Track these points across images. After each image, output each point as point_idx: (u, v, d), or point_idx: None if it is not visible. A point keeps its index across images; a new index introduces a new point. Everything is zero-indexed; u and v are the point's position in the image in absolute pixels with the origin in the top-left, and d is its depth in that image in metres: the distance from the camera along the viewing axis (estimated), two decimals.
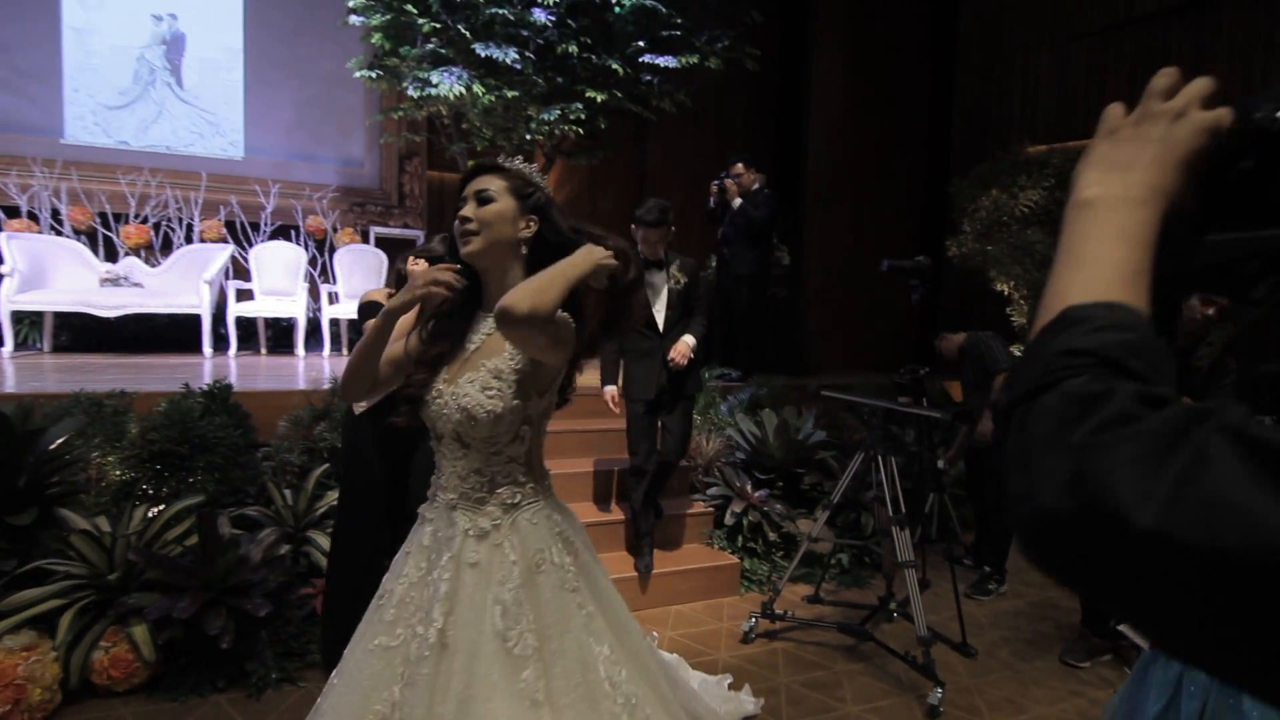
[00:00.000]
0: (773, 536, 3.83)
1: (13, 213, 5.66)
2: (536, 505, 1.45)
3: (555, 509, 1.50)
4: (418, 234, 7.03)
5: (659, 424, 3.42)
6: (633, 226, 3.29)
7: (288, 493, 3.17)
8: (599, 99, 5.47)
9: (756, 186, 5.19)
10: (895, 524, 2.80)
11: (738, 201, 5.10)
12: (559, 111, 5.39)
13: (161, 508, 2.83)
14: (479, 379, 1.39)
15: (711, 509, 3.90)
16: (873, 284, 6.64)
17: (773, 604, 3.13)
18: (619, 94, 5.61)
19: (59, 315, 5.43)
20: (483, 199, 1.42)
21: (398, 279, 2.56)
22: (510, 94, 5.24)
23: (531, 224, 1.45)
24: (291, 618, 2.66)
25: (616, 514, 3.70)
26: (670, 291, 3.31)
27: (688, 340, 3.27)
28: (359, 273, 6.26)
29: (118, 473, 3.03)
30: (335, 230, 6.66)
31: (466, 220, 1.41)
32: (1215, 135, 0.52)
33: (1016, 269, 5.24)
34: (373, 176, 7.13)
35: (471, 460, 1.42)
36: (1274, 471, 0.33)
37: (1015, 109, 6.22)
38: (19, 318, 5.25)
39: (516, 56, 5.02)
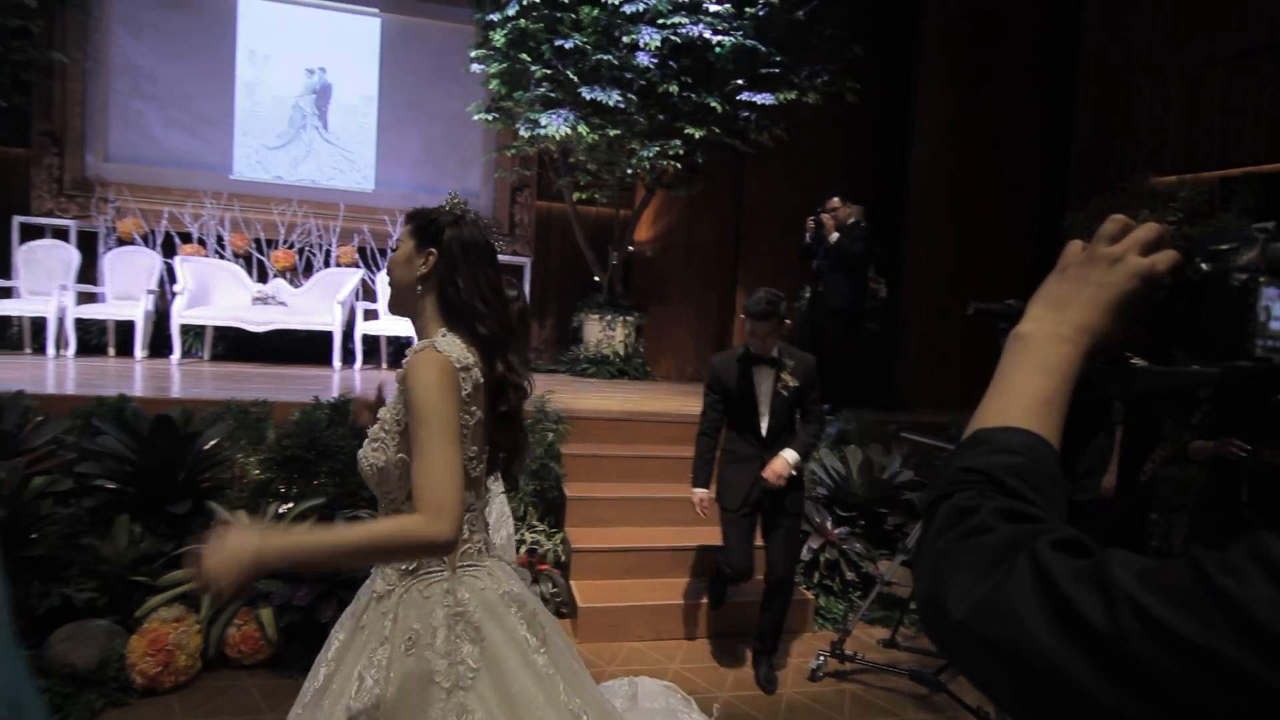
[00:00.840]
0: (850, 576, 3.80)
1: (186, 238, 6.55)
2: (435, 577, 1.28)
3: (472, 585, 1.31)
4: (525, 260, 7.47)
5: (752, 537, 3.04)
6: (741, 317, 3.31)
7: None
8: (697, 135, 5.67)
9: (853, 220, 5.18)
10: None
11: (834, 236, 5.11)
12: (658, 148, 5.62)
13: (290, 506, 3.23)
14: (373, 430, 1.32)
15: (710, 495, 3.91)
16: (973, 321, 6.40)
17: (843, 644, 3.13)
18: (717, 130, 5.79)
19: (217, 328, 6.21)
20: (393, 249, 1.47)
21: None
22: (613, 133, 5.52)
23: (430, 256, 1.34)
24: None
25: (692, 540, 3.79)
26: (776, 395, 2.94)
27: (787, 459, 2.87)
28: None
29: (256, 472, 3.48)
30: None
31: (389, 272, 1.42)
32: (1149, 280, 0.58)
33: None
34: (488, 206, 7.66)
35: (380, 514, 1.35)
36: (1046, 590, 0.41)
37: (1140, 138, 5.85)
38: (186, 330, 6.05)
39: (620, 98, 5.31)
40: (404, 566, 1.30)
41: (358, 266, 6.80)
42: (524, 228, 7.72)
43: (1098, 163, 6.11)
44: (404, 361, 1.28)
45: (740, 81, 5.57)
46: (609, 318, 6.90)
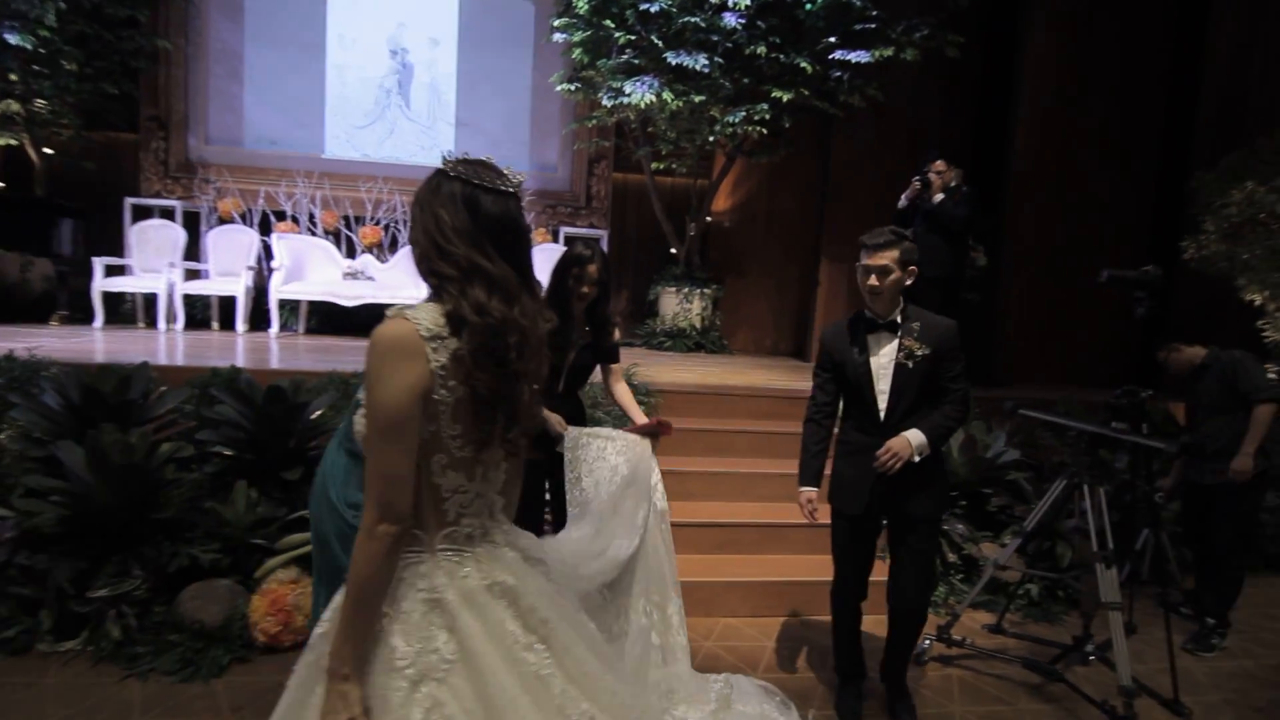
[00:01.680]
0: (952, 558, 3.63)
1: (280, 216, 6.80)
2: (412, 558, 1.20)
3: (452, 572, 1.20)
4: (602, 233, 7.43)
5: (870, 550, 2.51)
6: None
7: None
8: (785, 98, 5.45)
9: (955, 183, 4.88)
10: (1101, 560, 2.55)
11: (939, 197, 4.79)
12: (744, 113, 5.43)
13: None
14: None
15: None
16: (1085, 290, 5.97)
17: (950, 629, 2.99)
18: (805, 92, 5.55)
19: (311, 303, 6.44)
20: None
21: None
22: (698, 98, 5.37)
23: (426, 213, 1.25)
24: None
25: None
26: (899, 368, 2.31)
27: (909, 439, 2.25)
28: (550, 269, 6.76)
29: None
30: (531, 230, 7.23)
31: None
32: None
33: (1276, 276, 4.47)
34: (565, 179, 7.64)
35: None
36: None
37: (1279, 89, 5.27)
38: (283, 304, 6.31)
39: (706, 62, 5.14)
40: None
41: None
42: (600, 200, 7.66)
43: (1231, 117, 5.55)
44: None
45: (832, 39, 5.30)
46: (686, 290, 6.80)
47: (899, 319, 2.36)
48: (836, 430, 2.55)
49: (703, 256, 7.17)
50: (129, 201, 6.59)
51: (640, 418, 2.88)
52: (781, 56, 5.46)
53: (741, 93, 5.65)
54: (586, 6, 5.41)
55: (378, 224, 6.94)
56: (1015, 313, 6.06)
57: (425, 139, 7.40)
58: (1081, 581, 2.95)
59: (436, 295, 1.20)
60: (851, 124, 6.13)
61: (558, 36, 5.82)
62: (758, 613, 3.24)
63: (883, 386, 2.35)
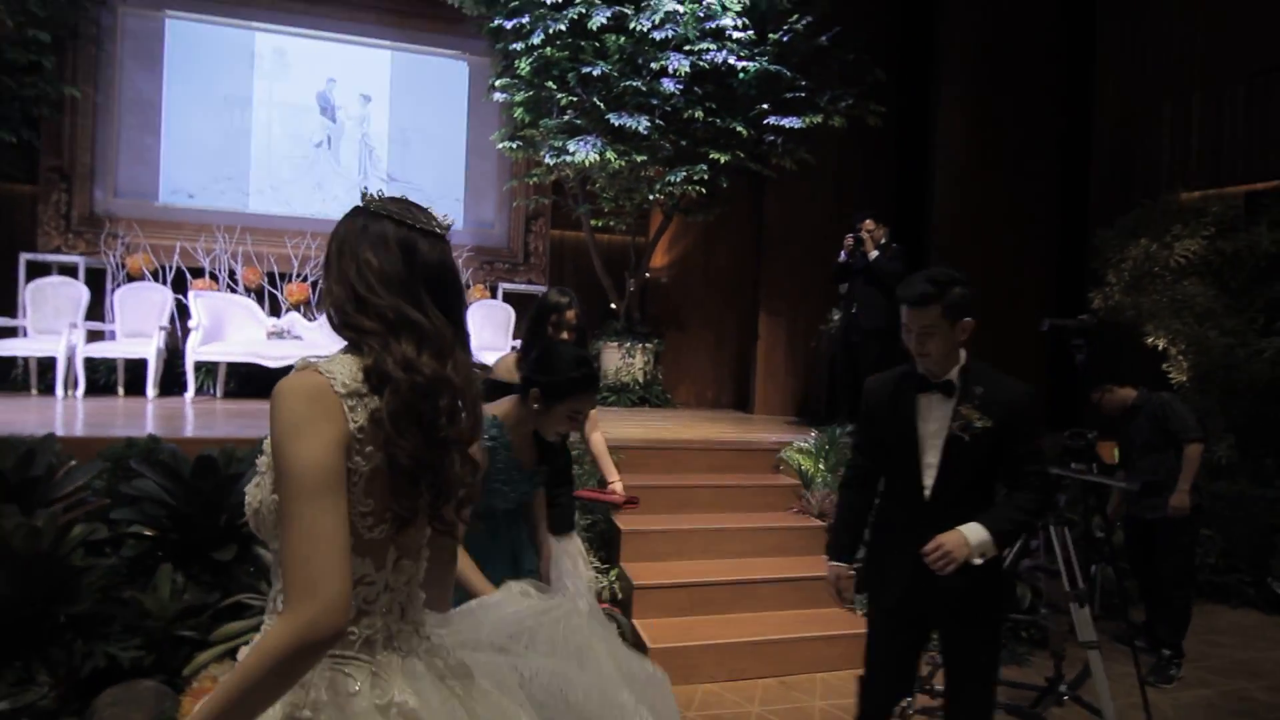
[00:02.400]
0: None
1: (197, 273, 6.40)
2: None
3: (338, 686, 0.97)
4: (540, 288, 7.37)
5: (911, 657, 2.03)
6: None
7: None
8: (722, 160, 5.65)
9: (884, 240, 5.17)
10: (1075, 599, 2.61)
11: (874, 253, 5.06)
12: (684, 173, 5.58)
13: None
14: (260, 460, 1.02)
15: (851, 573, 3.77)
16: (1005, 341, 6.35)
17: (932, 678, 2.97)
18: (741, 154, 5.77)
19: (231, 365, 6.03)
20: None
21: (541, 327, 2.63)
22: (639, 158, 5.48)
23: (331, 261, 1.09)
24: None
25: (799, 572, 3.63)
26: (953, 440, 1.85)
27: (968, 538, 1.77)
28: (489, 326, 6.62)
29: None
30: (468, 287, 7.10)
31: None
32: None
33: (1175, 323, 4.89)
34: (501, 236, 7.59)
35: (272, 571, 1.06)
36: None
37: (1164, 155, 5.90)
38: (199, 367, 5.87)
39: (648, 123, 5.27)
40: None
41: None
42: (538, 256, 7.65)
43: (1120, 179, 6.15)
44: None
45: (765, 106, 5.57)
46: (627, 345, 6.80)
47: (956, 380, 1.87)
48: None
49: (642, 312, 7.22)
50: (24, 257, 6.05)
51: (611, 471, 2.84)
52: (718, 120, 5.69)
53: (680, 153, 5.82)
54: (528, 68, 5.48)
55: (304, 280, 6.64)
56: None
57: (355, 194, 7.19)
58: (1050, 621, 3.00)
59: (355, 348, 1.00)
60: (783, 184, 6.41)
61: (498, 96, 5.86)
62: (736, 675, 3.12)
63: (931, 459, 1.89)
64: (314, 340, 6.12)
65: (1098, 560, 3.33)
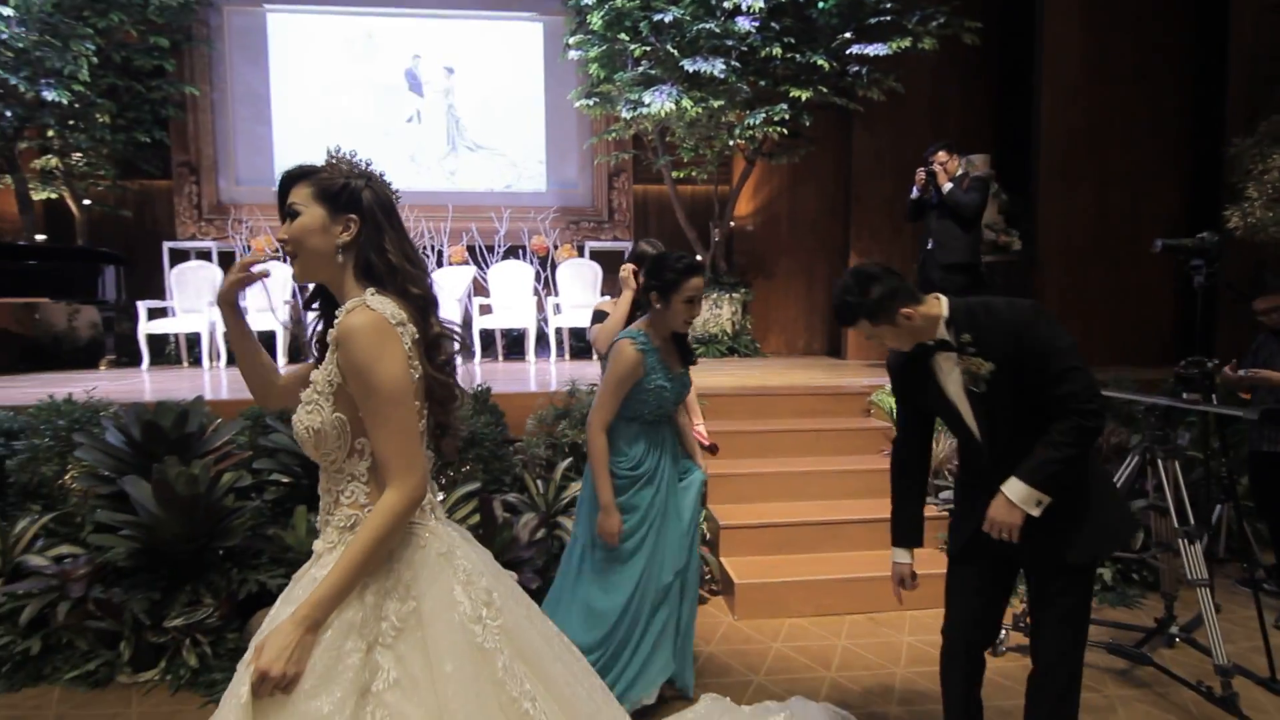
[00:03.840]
0: None
1: None
2: None
3: (408, 540, 1.23)
4: (626, 244, 7.45)
5: (992, 594, 1.94)
6: None
7: (539, 482, 3.55)
8: (803, 97, 5.45)
9: (962, 171, 4.90)
10: (1183, 537, 2.47)
11: (948, 186, 4.79)
12: (763, 115, 5.44)
13: (439, 493, 3.32)
14: (305, 394, 1.25)
15: (945, 513, 3.70)
16: (1123, 267, 5.86)
17: (1026, 617, 2.90)
18: (824, 89, 5.54)
19: None
20: (292, 213, 1.27)
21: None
22: (716, 103, 5.39)
23: (351, 223, 1.27)
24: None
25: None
26: (971, 396, 1.79)
27: (1011, 497, 1.71)
28: (578, 285, 6.79)
29: None
30: (556, 247, 7.29)
31: (284, 242, 1.28)
32: None
33: None
34: (585, 195, 7.70)
35: (322, 479, 1.29)
36: None
37: None
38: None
39: (723, 66, 5.16)
40: (343, 524, 1.24)
41: (468, 264, 6.98)
42: (622, 212, 7.70)
43: (1260, 83, 5.42)
44: (335, 323, 1.21)
45: (847, 35, 5.30)
46: (715, 295, 6.78)
47: (947, 334, 1.78)
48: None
49: (729, 261, 7.16)
50: (166, 245, 6.76)
51: (697, 415, 2.89)
52: (797, 56, 5.47)
53: (759, 95, 5.66)
54: (601, 22, 5.47)
55: None
56: (1053, 296, 5.96)
57: (446, 165, 7.51)
58: (1161, 561, 2.85)
59: (382, 291, 1.25)
60: (871, 117, 6.11)
61: (573, 54, 5.88)
62: (823, 611, 3.18)
63: (969, 415, 1.82)
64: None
65: (1222, 500, 3.10)
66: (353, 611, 1.16)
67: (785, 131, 5.73)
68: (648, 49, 5.45)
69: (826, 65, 5.39)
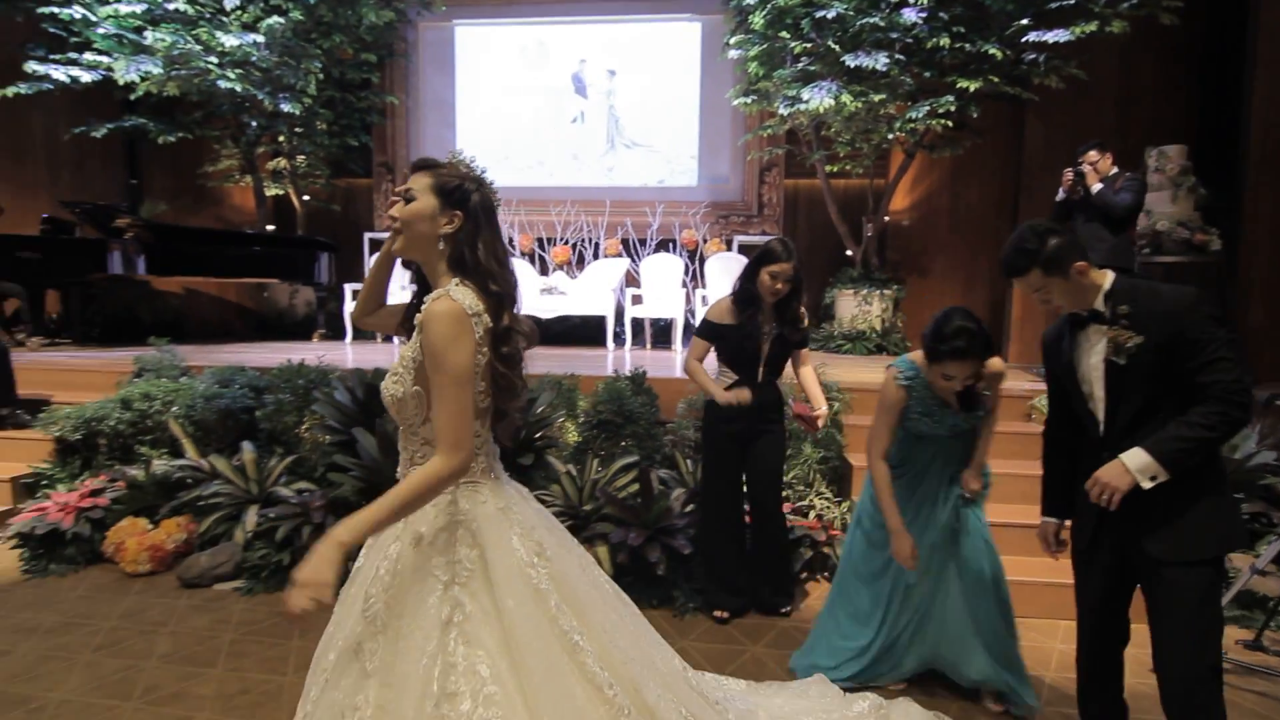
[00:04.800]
0: None
1: None
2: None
3: (472, 498, 1.45)
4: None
5: (1116, 595, 1.89)
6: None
7: (688, 462, 3.79)
8: (972, 88, 5.27)
9: (1115, 170, 4.59)
10: None
11: (1098, 186, 4.54)
12: (927, 107, 5.32)
13: (598, 464, 3.66)
14: (392, 365, 1.47)
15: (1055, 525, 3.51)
16: None
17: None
18: (995, 79, 5.32)
19: None
20: (408, 197, 1.45)
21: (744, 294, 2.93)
22: (877, 97, 5.34)
23: (455, 218, 1.44)
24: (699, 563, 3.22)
25: None
26: (1109, 366, 1.77)
27: (1127, 464, 1.68)
28: (726, 278, 6.98)
29: (573, 435, 3.99)
30: (705, 241, 7.52)
31: (394, 219, 1.46)
32: None
33: None
34: (736, 190, 7.85)
35: (401, 439, 1.51)
36: None
37: None
38: None
39: (886, 60, 5.11)
40: None
41: (622, 257, 7.39)
42: (772, 207, 7.77)
43: None
44: (422, 306, 1.40)
45: (1025, 21, 5.05)
46: (864, 292, 6.70)
47: (1103, 306, 1.78)
48: None
49: (881, 257, 7.03)
50: (367, 235, 7.73)
51: (820, 398, 3.04)
52: (967, 45, 5.29)
53: (923, 87, 5.54)
54: (762, 21, 5.59)
55: (566, 244, 7.57)
56: (1259, 300, 5.34)
57: (605, 162, 7.96)
58: None
59: (465, 281, 1.43)
60: (1049, 107, 5.77)
61: (733, 53, 6.05)
62: (1026, 614, 3.16)
63: (1098, 392, 1.81)
64: (575, 294, 7.00)
65: None
66: (433, 557, 1.39)
67: (950, 124, 5.56)
68: (808, 45, 5.50)
69: (999, 54, 5.17)
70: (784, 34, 5.52)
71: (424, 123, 8.04)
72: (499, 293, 1.44)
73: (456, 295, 1.39)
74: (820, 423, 2.99)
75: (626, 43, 7.85)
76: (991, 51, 5.16)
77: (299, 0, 6.34)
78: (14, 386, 4.32)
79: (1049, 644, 2.96)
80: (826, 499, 3.75)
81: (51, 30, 6.01)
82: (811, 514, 3.64)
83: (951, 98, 5.30)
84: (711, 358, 3.08)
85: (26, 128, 6.99)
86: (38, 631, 2.85)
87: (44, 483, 3.92)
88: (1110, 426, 1.79)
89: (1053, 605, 3.18)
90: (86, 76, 5.95)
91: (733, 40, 5.96)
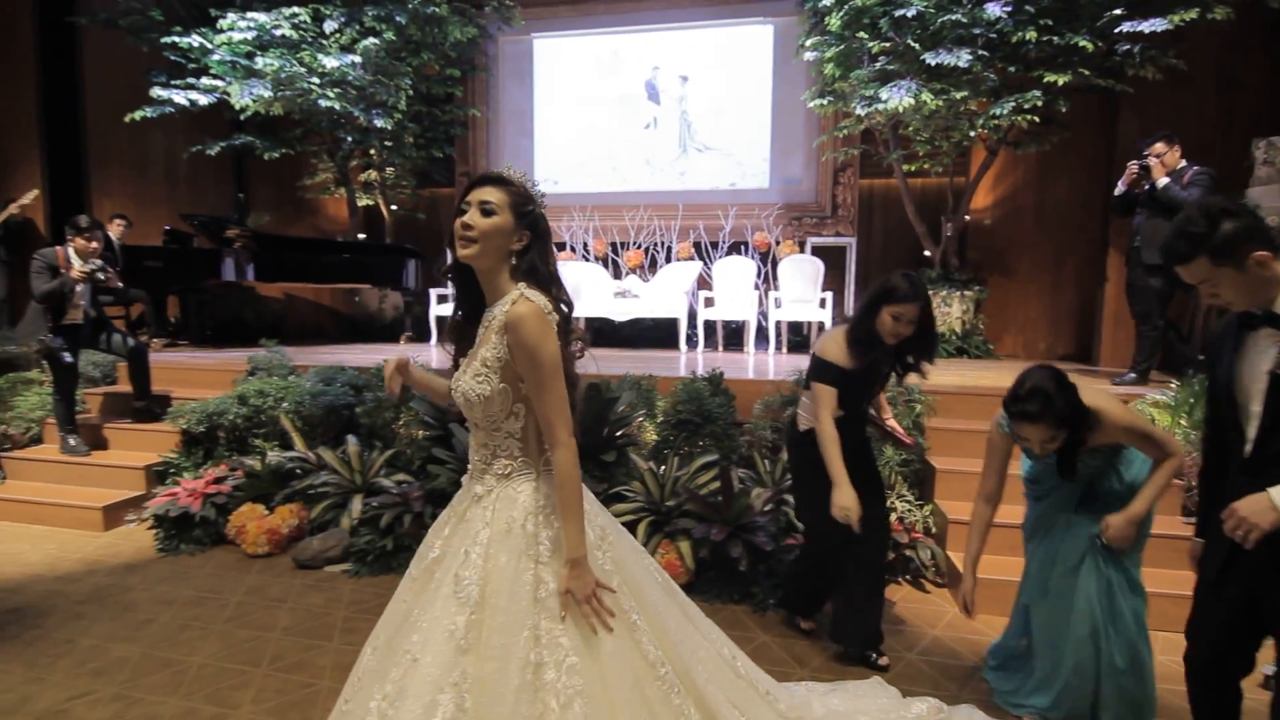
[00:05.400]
0: None
1: (560, 247, 7.85)
2: (527, 476, 1.57)
3: (551, 484, 1.55)
4: (850, 240, 7.45)
5: (1243, 627, 1.70)
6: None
7: (766, 462, 3.84)
8: (1060, 82, 5.11)
9: (1183, 164, 4.39)
10: None
11: (1164, 180, 4.35)
12: (1013, 103, 5.19)
13: (678, 462, 3.75)
14: (473, 368, 1.55)
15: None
16: None
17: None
18: (1085, 71, 5.14)
19: (587, 319, 7.33)
20: (486, 210, 1.52)
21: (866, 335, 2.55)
22: (959, 94, 5.25)
23: (524, 237, 1.55)
24: (781, 560, 3.27)
25: None
26: (1274, 380, 1.56)
27: (1274, 498, 1.48)
28: (799, 280, 6.97)
29: (651, 434, 4.10)
30: (777, 243, 7.51)
31: (468, 227, 1.51)
32: None
33: None
34: (809, 191, 7.82)
35: (478, 436, 1.60)
36: None
37: None
38: None
39: (969, 56, 5.02)
40: (501, 472, 1.57)
41: (693, 260, 7.47)
42: (846, 208, 7.70)
43: None
44: (502, 310, 1.51)
45: (1118, 11, 4.87)
46: (944, 293, 6.56)
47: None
48: None
49: (961, 257, 6.87)
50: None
51: (887, 412, 2.97)
52: (1055, 38, 5.13)
53: (1007, 82, 5.40)
54: (839, 22, 5.58)
55: (639, 248, 7.71)
56: None
57: (677, 166, 8.07)
58: None
59: (536, 285, 1.55)
60: (1144, 99, 5.52)
61: (809, 55, 6.05)
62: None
63: (1255, 406, 1.57)
64: (648, 297, 7.13)
65: None
66: (523, 539, 1.51)
67: (1036, 119, 5.40)
68: (886, 44, 5.45)
69: (1090, 45, 5.00)
70: (861, 34, 5.49)
71: (503, 133, 8.35)
72: (559, 298, 1.58)
73: (533, 297, 1.51)
74: (910, 441, 2.97)
75: (699, 48, 7.94)
76: (1082, 43, 4.99)
77: (391, 21, 6.71)
78: (150, 384, 4.77)
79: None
80: (908, 502, 3.73)
81: (172, 58, 6.57)
82: (893, 516, 3.62)
83: (1038, 92, 5.15)
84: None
85: (149, 147, 7.65)
86: (175, 603, 3.17)
87: (172, 471, 4.32)
88: (1261, 449, 1.57)
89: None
90: (204, 100, 6.47)
91: (808, 42, 5.96)
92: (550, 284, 1.57)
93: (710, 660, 1.71)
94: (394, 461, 3.99)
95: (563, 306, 1.57)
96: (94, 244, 4.48)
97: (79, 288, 4.45)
